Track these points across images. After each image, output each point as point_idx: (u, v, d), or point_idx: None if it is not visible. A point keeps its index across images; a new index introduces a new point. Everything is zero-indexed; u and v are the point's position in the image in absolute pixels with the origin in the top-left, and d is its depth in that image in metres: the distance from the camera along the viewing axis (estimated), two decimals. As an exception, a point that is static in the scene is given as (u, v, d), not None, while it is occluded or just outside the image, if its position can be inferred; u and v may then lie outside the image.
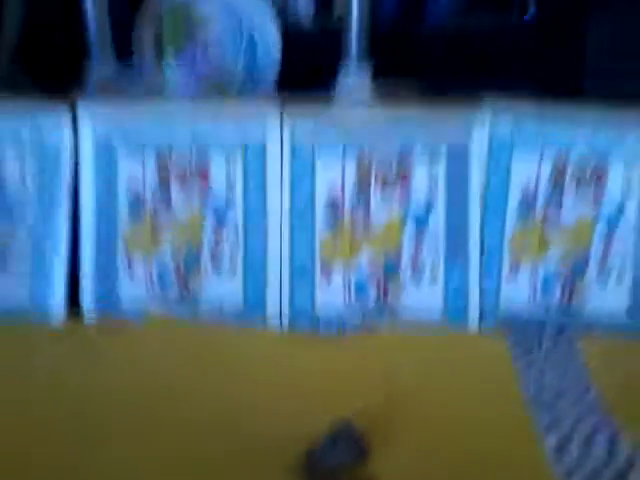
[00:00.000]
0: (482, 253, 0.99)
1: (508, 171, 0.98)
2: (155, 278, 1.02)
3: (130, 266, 1.02)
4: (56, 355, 0.95)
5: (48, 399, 0.86)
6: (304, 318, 1.00)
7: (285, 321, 1.00)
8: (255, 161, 1.00)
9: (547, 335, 0.97)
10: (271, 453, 0.74)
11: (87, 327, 1.02)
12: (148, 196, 1.02)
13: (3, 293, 1.03)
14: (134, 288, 1.02)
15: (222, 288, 1.01)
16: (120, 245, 1.02)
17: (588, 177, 0.98)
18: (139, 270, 1.02)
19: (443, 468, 0.74)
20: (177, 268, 1.02)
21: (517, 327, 0.98)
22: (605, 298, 0.99)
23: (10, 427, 0.81)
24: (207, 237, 1.01)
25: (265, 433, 0.77)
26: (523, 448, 0.77)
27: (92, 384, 0.88)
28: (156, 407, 0.84)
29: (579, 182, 0.98)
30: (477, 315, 0.98)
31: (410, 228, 0.99)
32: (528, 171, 0.98)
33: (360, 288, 1.00)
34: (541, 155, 0.98)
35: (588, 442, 0.78)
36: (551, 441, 0.78)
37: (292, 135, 1.00)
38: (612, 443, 0.78)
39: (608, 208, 0.98)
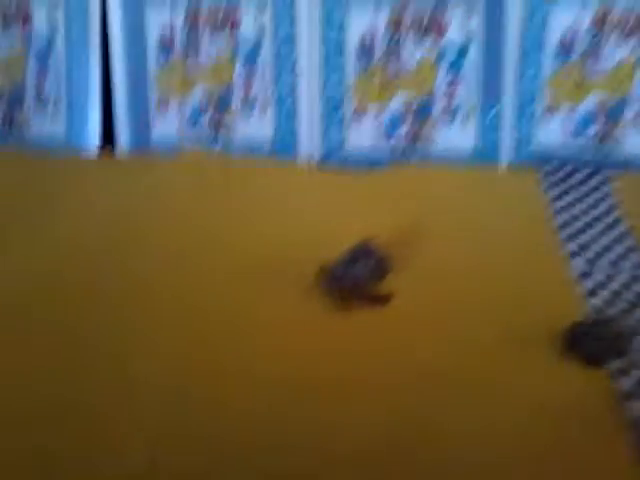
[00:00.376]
0: (517, 94, 0.97)
1: (546, 15, 0.95)
2: (187, 117, 1.03)
3: (162, 106, 1.03)
4: (89, 184, 0.97)
5: (79, 224, 0.88)
6: (335, 156, 1.01)
7: (316, 159, 1.01)
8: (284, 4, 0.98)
9: (580, 173, 0.96)
10: (297, 272, 0.76)
11: (120, 161, 1.04)
12: (177, 40, 1.01)
13: (40, 129, 1.06)
14: (166, 126, 1.03)
15: (253, 127, 1.01)
16: (151, 86, 1.03)
17: (632, 24, 0.95)
18: (172, 110, 1.03)
19: (468, 285, 0.76)
20: (208, 107, 1.02)
21: (550, 165, 0.97)
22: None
23: (42, 248, 0.83)
24: (238, 78, 1.01)
25: (292, 257, 0.78)
26: (551, 270, 0.78)
27: (123, 211, 0.90)
28: (185, 234, 0.86)
29: (620, 28, 0.95)
30: (509, 153, 0.98)
31: (443, 70, 0.97)
32: (567, 16, 0.95)
33: (391, 128, 0.99)
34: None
35: (613, 267, 0.80)
36: (578, 264, 0.79)
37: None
38: (637, 268, 0.79)
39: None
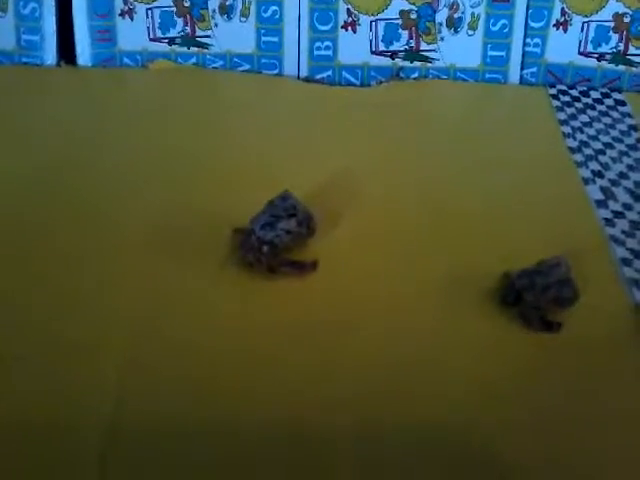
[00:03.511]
0: (529, 0, 0.87)
1: None
2: (157, 22, 0.90)
3: (127, 13, 0.90)
4: (52, 96, 0.86)
5: (33, 136, 0.78)
6: (325, 69, 0.90)
7: (303, 73, 0.90)
8: None
9: (595, 90, 0.88)
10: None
11: (81, 72, 0.90)
12: None
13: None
14: (133, 38, 0.91)
15: (232, 40, 0.89)
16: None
17: None
18: (138, 18, 0.90)
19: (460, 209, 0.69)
20: (182, 11, 0.90)
21: (562, 79, 0.89)
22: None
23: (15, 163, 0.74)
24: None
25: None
26: (568, 196, 0.71)
27: (90, 125, 0.80)
28: (148, 146, 0.76)
29: None
30: (519, 65, 0.88)
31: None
32: None
33: (389, 36, 0.89)
34: None
35: (632, 193, 0.73)
36: (594, 190, 0.72)
37: None
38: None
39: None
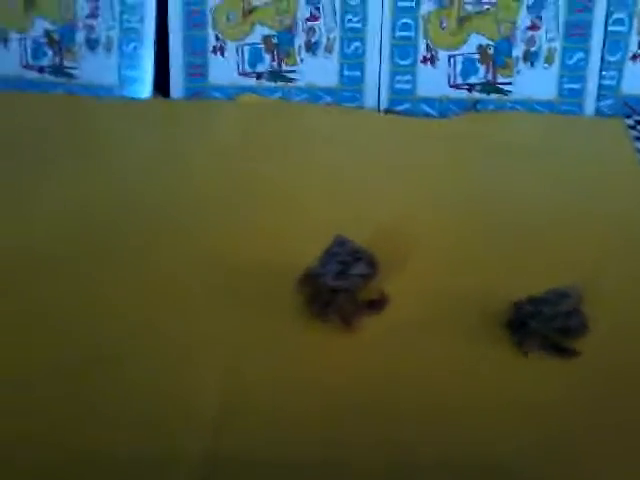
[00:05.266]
0: (606, 34, 0.90)
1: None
2: (246, 58, 0.97)
3: (219, 50, 0.97)
4: (140, 125, 0.92)
5: (126, 160, 0.84)
6: (404, 102, 0.94)
7: (383, 105, 0.94)
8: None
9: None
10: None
11: (173, 104, 0.97)
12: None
13: (90, 76, 1.01)
14: (223, 73, 0.97)
15: (315, 73, 0.95)
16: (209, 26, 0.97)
17: None
18: (228, 54, 0.97)
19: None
20: (268, 48, 0.96)
21: (638, 111, 0.90)
22: None
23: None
24: (300, 18, 0.94)
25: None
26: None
27: (170, 151, 0.86)
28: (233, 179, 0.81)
29: None
30: (594, 97, 0.91)
31: (523, 9, 0.90)
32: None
33: (467, 69, 0.92)
34: None
35: None
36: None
37: None
38: None
39: None
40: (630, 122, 0.88)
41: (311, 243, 0.60)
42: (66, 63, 0.99)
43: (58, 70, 1.00)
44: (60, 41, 0.99)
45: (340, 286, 0.57)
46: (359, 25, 0.93)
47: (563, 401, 0.55)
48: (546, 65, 0.91)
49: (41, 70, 1.01)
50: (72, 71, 0.99)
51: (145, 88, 0.98)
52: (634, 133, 0.86)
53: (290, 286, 0.60)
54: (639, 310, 0.62)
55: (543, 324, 0.57)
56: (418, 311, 0.62)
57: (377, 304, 0.61)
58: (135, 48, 0.97)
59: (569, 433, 0.52)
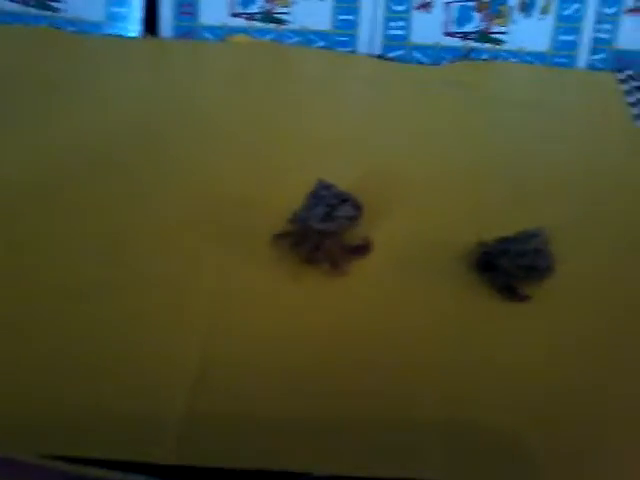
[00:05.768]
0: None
1: None
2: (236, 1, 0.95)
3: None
4: (133, 65, 0.90)
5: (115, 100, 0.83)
6: (397, 48, 0.93)
7: (376, 50, 0.93)
8: None
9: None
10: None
11: (164, 43, 0.95)
12: None
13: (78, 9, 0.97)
14: (214, 13, 0.94)
15: (310, 11, 0.93)
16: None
17: None
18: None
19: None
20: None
21: (632, 66, 0.90)
22: None
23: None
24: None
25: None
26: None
27: (166, 93, 0.84)
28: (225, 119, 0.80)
29: None
30: (588, 50, 0.90)
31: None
32: None
33: (462, 16, 0.91)
34: None
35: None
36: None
37: None
38: None
39: None
40: (622, 76, 0.89)
41: (298, 186, 0.59)
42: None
43: (42, 2, 0.97)
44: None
45: (327, 229, 0.57)
46: (354, -32, 0.92)
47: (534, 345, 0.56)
48: (542, 16, 0.90)
49: (25, 2, 0.98)
50: (57, 4, 0.96)
51: (133, 26, 0.95)
52: (625, 87, 0.87)
53: (275, 227, 0.60)
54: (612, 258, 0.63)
55: (509, 261, 0.58)
56: (399, 255, 0.62)
57: (361, 249, 0.61)
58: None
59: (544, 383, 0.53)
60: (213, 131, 0.78)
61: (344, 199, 0.59)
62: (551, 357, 0.54)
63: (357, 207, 0.59)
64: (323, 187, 0.59)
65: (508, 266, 0.58)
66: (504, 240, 0.59)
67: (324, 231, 0.57)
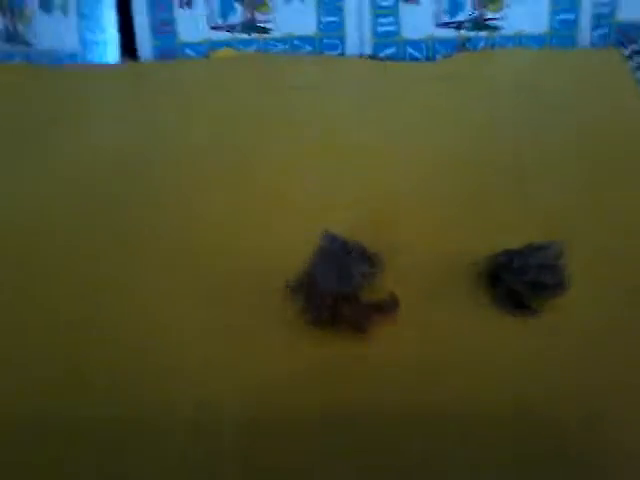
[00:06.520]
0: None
1: None
2: (215, 9, 0.89)
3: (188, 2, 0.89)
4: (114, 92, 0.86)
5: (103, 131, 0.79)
6: (388, 45, 0.88)
7: (367, 49, 0.89)
8: None
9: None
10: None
11: (144, 65, 0.90)
12: None
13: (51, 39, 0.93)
14: (194, 24, 0.89)
15: (293, 16, 0.88)
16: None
17: None
18: (198, 3, 0.89)
19: None
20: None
21: (636, 39, 0.86)
22: None
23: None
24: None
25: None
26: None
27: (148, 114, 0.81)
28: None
29: None
30: (589, 28, 0.86)
31: None
32: None
33: (453, 5, 0.86)
34: None
35: None
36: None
37: None
38: None
39: None
40: (627, 52, 0.85)
41: (301, 200, 0.58)
42: (20, 29, 0.92)
43: (12, 37, 0.92)
44: (10, 4, 0.91)
45: (344, 290, 0.52)
46: (334, -35, 0.87)
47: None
48: (536, -3, 0.86)
49: (-5, 39, 0.93)
50: (30, 38, 0.91)
51: (111, 51, 0.90)
52: (632, 64, 0.83)
53: (274, 279, 0.55)
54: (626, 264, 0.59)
55: (512, 277, 0.54)
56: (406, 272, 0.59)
57: (387, 307, 0.55)
58: (94, 7, 0.90)
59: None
60: (197, 160, 0.73)
61: (360, 253, 0.54)
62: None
63: (373, 262, 0.54)
64: (331, 240, 0.54)
65: (511, 281, 0.54)
66: (508, 252, 0.56)
67: (340, 293, 0.52)
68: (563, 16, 0.86)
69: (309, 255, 0.53)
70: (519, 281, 0.53)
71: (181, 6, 0.89)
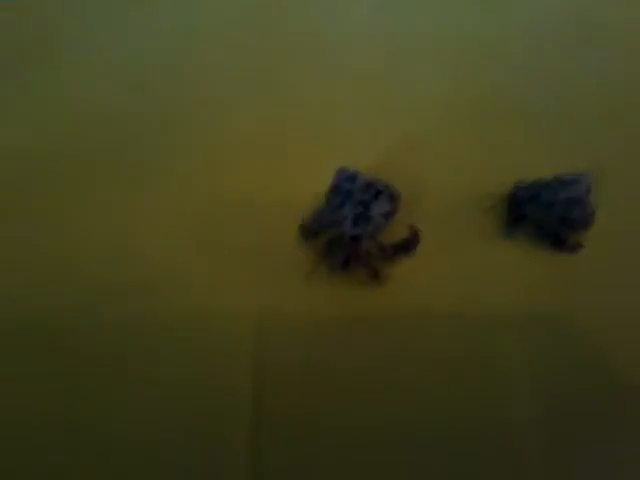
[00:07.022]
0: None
1: None
2: None
3: None
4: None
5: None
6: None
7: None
8: None
9: None
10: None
11: None
12: None
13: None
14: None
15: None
16: None
17: None
18: None
19: None
20: None
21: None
22: None
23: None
24: None
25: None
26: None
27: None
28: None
29: None
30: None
31: None
32: None
33: None
34: None
35: None
36: None
37: None
38: None
39: None
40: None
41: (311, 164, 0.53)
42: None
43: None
44: None
45: (363, 233, 0.48)
46: None
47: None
48: None
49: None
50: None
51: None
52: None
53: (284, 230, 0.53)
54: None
55: (539, 211, 0.52)
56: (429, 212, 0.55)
57: (408, 244, 0.51)
58: None
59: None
60: (217, 81, 0.66)
61: (378, 191, 0.50)
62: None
63: (393, 198, 0.50)
64: (346, 178, 0.50)
65: (537, 217, 0.52)
66: (535, 185, 0.53)
67: (359, 236, 0.48)
68: None
69: (324, 193, 0.50)
70: (546, 215, 0.52)
71: None
